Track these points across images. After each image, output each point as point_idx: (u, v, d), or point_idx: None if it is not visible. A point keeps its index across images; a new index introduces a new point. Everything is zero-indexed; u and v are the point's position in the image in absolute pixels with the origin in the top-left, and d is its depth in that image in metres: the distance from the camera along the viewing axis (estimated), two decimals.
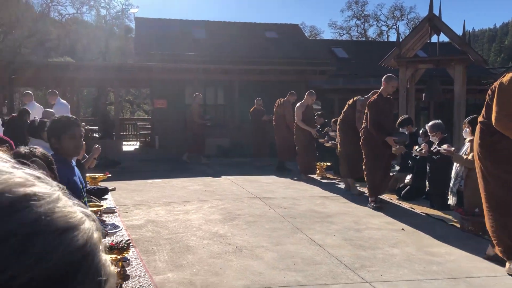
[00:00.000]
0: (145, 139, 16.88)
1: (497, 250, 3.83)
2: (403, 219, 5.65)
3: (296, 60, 17.70)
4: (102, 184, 6.94)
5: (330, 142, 8.96)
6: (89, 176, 6.72)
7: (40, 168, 0.55)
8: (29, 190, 0.46)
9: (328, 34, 70.68)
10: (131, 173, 9.63)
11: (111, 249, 3.44)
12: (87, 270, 0.46)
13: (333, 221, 5.53)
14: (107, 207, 5.60)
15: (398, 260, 4.10)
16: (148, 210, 5.98)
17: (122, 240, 3.57)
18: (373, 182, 6.31)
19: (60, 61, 22.54)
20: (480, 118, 4.01)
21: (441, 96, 10.58)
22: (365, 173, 6.44)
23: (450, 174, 5.73)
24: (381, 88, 6.26)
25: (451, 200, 5.52)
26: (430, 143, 6.64)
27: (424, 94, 10.44)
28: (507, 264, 3.78)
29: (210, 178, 8.89)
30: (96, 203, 5.32)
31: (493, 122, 3.68)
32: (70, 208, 0.48)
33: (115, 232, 2.88)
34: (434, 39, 10.84)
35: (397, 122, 7.40)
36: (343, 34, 46.51)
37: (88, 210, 0.51)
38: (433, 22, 9.93)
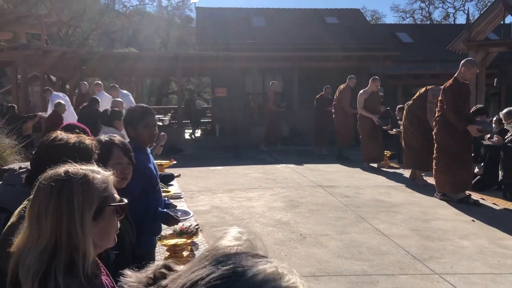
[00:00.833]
0: (206, 127, 17.26)
1: None
2: (473, 210, 5.42)
3: (357, 45, 17.28)
4: (167, 171, 7.20)
5: (394, 130, 8.71)
6: (155, 162, 6.99)
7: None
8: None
9: (390, 18, 68.35)
10: (194, 160, 9.90)
11: (181, 233, 3.58)
12: None
13: (399, 211, 5.41)
14: (174, 193, 5.80)
15: (469, 252, 3.95)
16: (212, 196, 6.14)
17: (191, 225, 3.71)
18: (449, 176, 5.77)
19: (125, 52, 23.42)
20: None
21: None
22: (435, 167, 5.91)
23: None
24: (458, 73, 5.73)
25: None
26: (504, 132, 6.30)
27: (496, 79, 9.87)
28: None
29: (270, 166, 8.95)
30: (164, 189, 5.53)
31: None
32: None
33: (187, 218, 2.99)
34: (507, 20, 10.20)
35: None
36: (406, 18, 44.66)
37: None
38: (508, 2, 9.33)
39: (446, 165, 5.75)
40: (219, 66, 14.60)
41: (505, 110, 6.19)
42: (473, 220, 5.00)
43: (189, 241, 3.56)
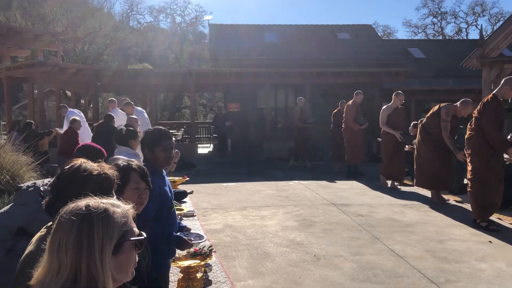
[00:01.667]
0: (218, 142, 17.32)
1: None
2: (489, 230, 5.33)
3: (370, 61, 17.30)
4: (180, 187, 7.22)
5: (408, 146, 8.62)
6: (169, 179, 7.02)
7: None
8: None
9: (402, 33, 68.22)
10: (206, 176, 9.92)
11: (195, 254, 3.58)
12: None
13: (414, 230, 5.34)
14: (187, 211, 5.81)
15: (487, 275, 3.88)
16: (225, 214, 6.13)
17: (204, 246, 3.70)
18: (485, 200, 5.42)
19: (139, 68, 23.72)
20: None
21: None
22: (470, 190, 5.57)
23: None
24: (499, 90, 5.39)
25: None
26: None
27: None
28: None
29: (282, 183, 8.93)
30: (177, 207, 5.54)
31: None
32: None
33: (200, 243, 3.00)
34: None
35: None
36: (418, 33, 44.71)
37: None
38: None
39: (478, 188, 5.44)
40: (231, 81, 14.71)
41: None
42: (490, 242, 4.92)
43: (202, 262, 3.55)
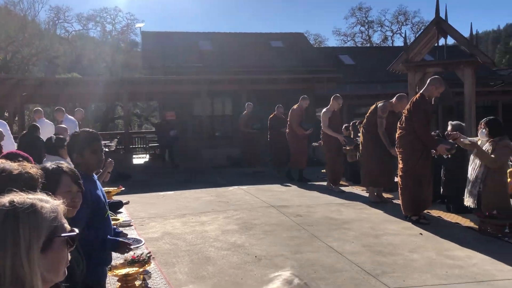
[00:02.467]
0: (154, 151, 16.94)
1: None
2: (420, 224, 5.60)
3: (302, 68, 17.74)
4: (116, 198, 6.97)
5: (349, 146, 8.75)
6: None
7: None
8: None
9: (332, 42, 70.88)
10: (143, 186, 9.66)
11: (133, 262, 3.45)
12: None
13: (350, 227, 5.51)
14: (123, 221, 5.61)
15: (419, 265, 4.07)
16: (163, 222, 5.99)
17: (143, 253, 3.58)
18: (416, 195, 5.64)
19: (68, 77, 22.75)
20: None
21: (452, 99, 10.54)
22: (401, 186, 5.79)
23: (465, 176, 5.68)
24: (426, 90, 5.66)
25: (470, 203, 5.47)
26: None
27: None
28: None
29: (222, 189, 8.89)
30: (113, 217, 5.34)
31: None
32: None
33: (138, 246, 2.89)
34: (441, 42, 10.83)
35: None
36: (348, 41, 46.59)
37: None
38: (440, 26, 9.93)
39: (409, 184, 5.66)
40: (167, 89, 14.49)
41: (454, 122, 6.45)
42: (421, 234, 5.17)
43: (141, 270, 3.44)
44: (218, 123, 16.89)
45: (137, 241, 3.00)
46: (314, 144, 9.39)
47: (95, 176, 3.03)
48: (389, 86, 17.94)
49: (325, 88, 15.64)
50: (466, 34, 10.07)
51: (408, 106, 5.74)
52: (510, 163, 5.95)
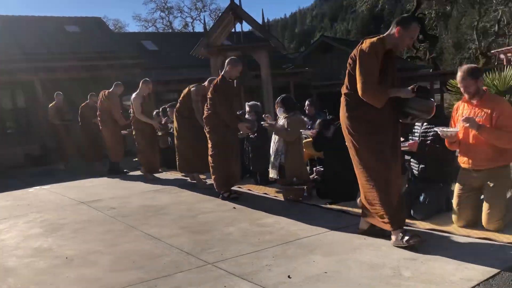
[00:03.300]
0: None
1: (382, 222, 3.67)
2: (232, 199, 5.88)
3: (103, 54, 16.78)
4: None
5: (162, 132, 8.60)
6: None
7: None
8: None
9: (133, 27, 68.93)
10: None
11: None
12: None
13: (167, 212, 5.47)
14: None
15: (235, 237, 4.27)
16: None
17: None
18: (226, 172, 5.90)
19: None
20: (344, 90, 3.73)
21: (252, 80, 11.32)
22: (212, 165, 5.94)
23: (269, 150, 6.17)
24: (224, 71, 5.86)
25: (273, 174, 5.97)
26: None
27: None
28: (394, 236, 3.65)
29: (20, 191, 7.90)
30: None
31: (360, 93, 3.46)
32: None
33: None
34: (238, 28, 11.49)
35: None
36: (149, 27, 45.97)
37: None
38: (236, 12, 10.50)
39: (217, 161, 5.88)
40: None
41: (251, 103, 6.89)
42: (234, 208, 5.44)
43: None
44: (10, 118, 14.89)
45: None
46: (124, 132, 8.98)
47: None
48: (195, 70, 18.33)
49: (129, 74, 15.14)
50: (259, 21, 10.85)
51: (211, 89, 5.90)
52: (304, 135, 6.64)
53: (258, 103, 7.17)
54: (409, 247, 3.49)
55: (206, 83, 6.82)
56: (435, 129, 4.11)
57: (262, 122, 6.18)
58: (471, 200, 4.01)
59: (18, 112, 14.51)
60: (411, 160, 4.68)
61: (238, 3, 10.56)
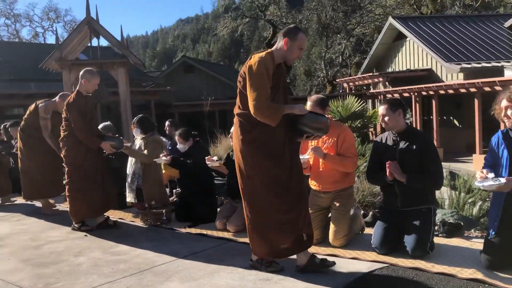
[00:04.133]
0: None
1: (272, 252, 3.52)
2: (83, 225, 5.43)
3: None
4: None
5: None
6: None
7: None
8: None
9: None
10: None
11: None
12: None
13: (6, 243, 4.86)
14: None
15: (85, 268, 3.95)
16: None
17: None
18: (86, 201, 5.19)
19: None
20: (236, 110, 3.47)
21: (108, 98, 10.81)
22: (68, 194, 5.25)
23: (126, 173, 5.91)
24: (80, 86, 5.21)
25: (131, 198, 5.72)
26: None
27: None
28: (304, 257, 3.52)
29: None
30: None
31: (252, 111, 3.22)
32: None
33: None
34: (94, 43, 10.92)
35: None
36: None
37: None
38: (92, 25, 9.98)
39: (81, 189, 5.19)
40: None
41: (101, 125, 6.44)
42: (85, 235, 5.06)
43: None
44: None
45: None
46: None
47: None
48: (45, 85, 16.88)
49: None
50: (118, 36, 10.47)
51: (64, 107, 5.34)
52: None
53: (109, 122, 6.75)
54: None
55: (57, 98, 6.22)
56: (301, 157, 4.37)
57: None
58: (320, 219, 4.32)
59: None
60: None
61: (95, 17, 10.05)
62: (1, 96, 14.85)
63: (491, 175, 3.13)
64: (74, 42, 10.36)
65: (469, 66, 16.61)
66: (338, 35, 31.80)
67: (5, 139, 8.04)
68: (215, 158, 5.22)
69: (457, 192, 5.50)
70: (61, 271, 3.89)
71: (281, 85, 3.42)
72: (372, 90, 20.94)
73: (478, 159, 12.90)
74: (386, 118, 3.91)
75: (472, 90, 13.93)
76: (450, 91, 15.17)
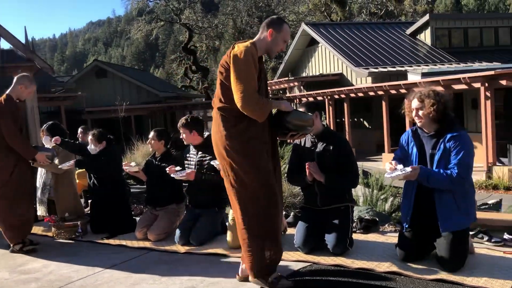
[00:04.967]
0: None
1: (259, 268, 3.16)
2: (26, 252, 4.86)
3: None
4: None
5: None
6: None
7: None
8: None
9: None
10: None
11: None
12: None
13: None
14: None
15: None
16: None
17: None
18: (18, 218, 4.53)
19: None
20: (217, 104, 3.14)
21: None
22: None
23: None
24: (13, 91, 4.56)
25: (41, 211, 5.33)
26: None
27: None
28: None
29: None
30: None
31: (239, 104, 2.94)
32: None
33: None
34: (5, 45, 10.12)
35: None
36: None
37: None
38: None
39: (7, 206, 4.50)
40: None
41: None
42: None
43: None
44: None
45: None
46: None
47: None
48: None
49: None
50: (22, 39, 9.80)
51: None
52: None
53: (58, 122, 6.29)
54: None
55: None
56: (212, 162, 4.33)
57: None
58: None
59: None
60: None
61: None
62: None
63: (400, 166, 3.32)
64: None
65: (376, 70, 17.69)
66: None
67: None
68: (133, 164, 5.01)
69: (370, 190, 5.80)
70: None
71: (262, 79, 3.18)
72: (288, 94, 21.54)
73: (387, 157, 13.74)
74: None
75: (380, 93, 14.84)
76: (360, 94, 16.04)
